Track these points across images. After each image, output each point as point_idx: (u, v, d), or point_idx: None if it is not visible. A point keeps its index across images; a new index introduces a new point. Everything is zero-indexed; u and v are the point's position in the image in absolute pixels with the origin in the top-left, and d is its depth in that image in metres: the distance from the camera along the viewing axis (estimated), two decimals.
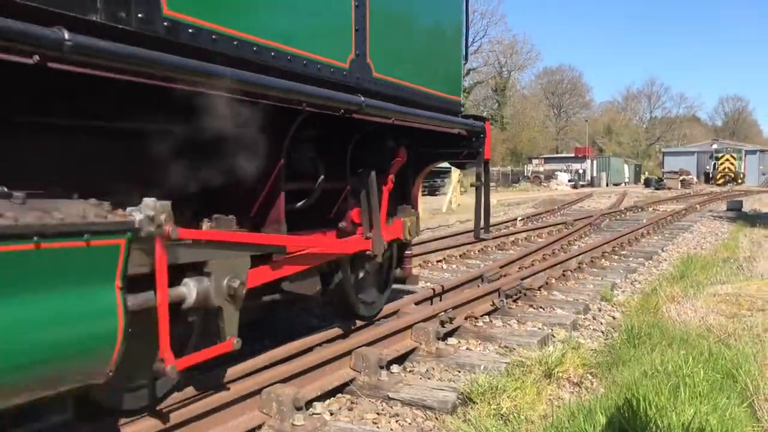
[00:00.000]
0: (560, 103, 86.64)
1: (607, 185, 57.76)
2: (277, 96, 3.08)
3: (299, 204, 4.09)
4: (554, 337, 5.52)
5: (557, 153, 73.11)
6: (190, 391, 3.47)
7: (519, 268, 8.44)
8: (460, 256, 10.21)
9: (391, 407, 3.94)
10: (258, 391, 3.58)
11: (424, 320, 5.18)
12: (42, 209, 2.16)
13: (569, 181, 52.95)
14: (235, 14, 2.88)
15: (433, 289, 6.31)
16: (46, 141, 2.71)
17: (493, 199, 26.89)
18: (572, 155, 64.56)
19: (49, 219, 2.13)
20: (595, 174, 60.26)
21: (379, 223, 4.58)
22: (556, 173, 55.43)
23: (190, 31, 2.62)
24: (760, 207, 25.05)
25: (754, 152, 71.11)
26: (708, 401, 3.51)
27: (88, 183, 2.63)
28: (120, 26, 2.33)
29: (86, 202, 2.37)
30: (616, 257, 10.57)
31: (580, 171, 58.73)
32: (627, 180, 68.25)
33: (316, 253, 4.00)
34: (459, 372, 4.59)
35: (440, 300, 6.17)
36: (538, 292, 7.22)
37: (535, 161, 63.05)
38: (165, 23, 2.50)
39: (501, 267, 8.03)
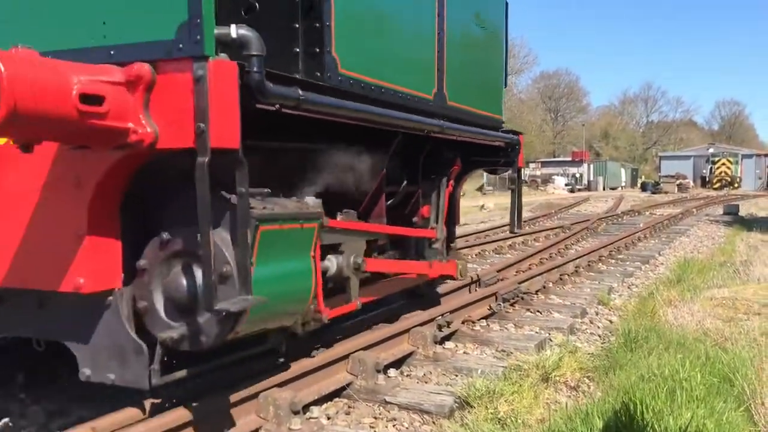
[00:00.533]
0: (557, 107, 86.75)
1: (603, 189, 57.87)
2: (393, 123, 4.31)
3: (388, 203, 5.03)
4: (551, 341, 5.52)
5: (554, 157, 73.20)
6: (186, 395, 3.47)
7: (516, 272, 8.44)
8: None
9: (389, 411, 3.93)
10: (255, 395, 3.58)
11: (421, 324, 5.18)
12: (278, 204, 3.27)
13: (566, 185, 53.02)
14: (375, 68, 4.10)
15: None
16: (262, 158, 3.65)
17: (491, 202, 26.87)
18: (569, 159, 64.65)
19: (285, 210, 3.29)
20: (591, 178, 60.35)
21: (442, 217, 5.65)
22: (552, 177, 55.47)
23: (350, 81, 3.84)
24: (757, 211, 25.10)
25: (750, 156, 71.25)
26: (705, 405, 3.52)
27: (276, 186, 3.54)
28: (318, 82, 3.54)
29: (291, 200, 3.46)
30: (613, 261, 10.59)
31: (577, 175, 58.79)
32: (624, 184, 68.34)
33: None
34: (456, 376, 4.59)
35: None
36: (536, 295, 7.22)
37: (532, 165, 63.03)
38: (339, 78, 3.71)
39: (498, 271, 8.03)
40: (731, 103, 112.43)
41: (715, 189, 57.52)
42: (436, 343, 5.11)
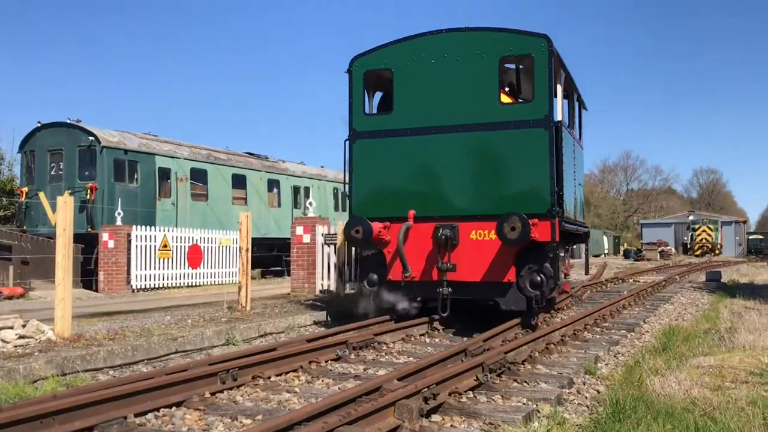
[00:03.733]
0: None
1: None
2: (572, 230, 11.20)
3: None
4: (539, 412, 5.43)
5: None
6: None
7: (502, 342, 8.37)
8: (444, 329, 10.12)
9: None
10: None
11: (407, 397, 5.09)
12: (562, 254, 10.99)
13: None
14: (571, 209, 10.98)
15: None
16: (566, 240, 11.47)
17: None
18: None
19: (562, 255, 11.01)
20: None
21: (569, 263, 12.68)
22: None
23: (567, 216, 10.55)
24: (739, 277, 25.29)
25: (729, 223, 72.40)
26: None
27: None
28: (563, 219, 10.01)
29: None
30: (599, 329, 10.55)
31: None
32: (606, 251, 68.87)
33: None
34: None
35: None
36: (522, 365, 7.15)
37: None
38: (565, 216, 10.24)
39: (484, 340, 7.97)
40: (708, 171, 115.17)
41: (697, 255, 58.13)
42: (422, 416, 5.01)
